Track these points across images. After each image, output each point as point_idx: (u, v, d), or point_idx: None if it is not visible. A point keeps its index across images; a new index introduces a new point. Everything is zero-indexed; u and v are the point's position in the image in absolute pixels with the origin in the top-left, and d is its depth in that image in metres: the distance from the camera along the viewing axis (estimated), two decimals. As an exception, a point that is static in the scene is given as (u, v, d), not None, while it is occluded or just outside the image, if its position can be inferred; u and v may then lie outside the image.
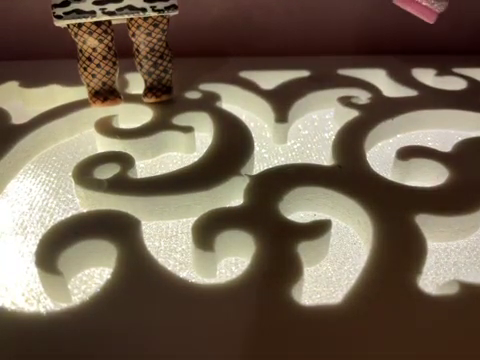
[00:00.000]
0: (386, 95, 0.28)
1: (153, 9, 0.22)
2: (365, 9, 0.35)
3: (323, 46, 0.28)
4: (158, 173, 0.21)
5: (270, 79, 0.30)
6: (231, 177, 0.19)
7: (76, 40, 0.23)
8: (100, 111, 0.24)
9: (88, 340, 0.13)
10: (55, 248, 0.15)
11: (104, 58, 0.23)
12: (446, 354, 0.13)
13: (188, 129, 0.23)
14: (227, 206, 0.19)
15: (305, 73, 0.31)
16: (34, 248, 0.15)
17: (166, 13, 0.23)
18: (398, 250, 0.16)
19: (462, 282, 0.14)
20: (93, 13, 0.22)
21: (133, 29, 0.23)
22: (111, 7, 0.22)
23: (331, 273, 0.17)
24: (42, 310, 0.15)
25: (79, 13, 0.21)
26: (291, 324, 0.13)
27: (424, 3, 0.25)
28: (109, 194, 0.18)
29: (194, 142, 0.23)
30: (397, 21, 0.35)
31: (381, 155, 0.24)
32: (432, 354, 0.13)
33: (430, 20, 0.26)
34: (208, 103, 0.26)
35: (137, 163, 0.21)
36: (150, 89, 0.25)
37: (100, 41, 0.23)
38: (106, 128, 0.23)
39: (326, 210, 0.19)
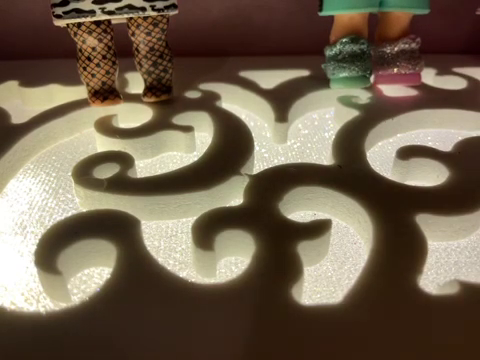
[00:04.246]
0: (386, 95, 0.27)
1: (153, 8, 0.22)
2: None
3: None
4: (158, 173, 0.21)
5: (270, 79, 0.30)
6: (231, 177, 0.19)
7: (75, 39, 0.23)
8: (100, 111, 0.24)
9: (87, 340, 0.13)
10: (54, 248, 0.15)
11: (104, 57, 0.23)
12: (446, 354, 0.13)
13: (188, 129, 0.23)
14: (227, 206, 0.19)
15: (305, 73, 0.31)
16: (33, 248, 0.15)
17: (166, 12, 0.23)
18: (398, 250, 0.16)
19: (463, 282, 0.14)
20: (92, 12, 0.22)
21: (133, 28, 0.23)
22: (111, 6, 0.22)
23: (331, 273, 0.17)
24: (41, 310, 0.15)
25: (78, 12, 0.21)
26: (291, 324, 0.13)
27: (407, 71, 0.26)
28: (109, 194, 0.18)
29: (194, 142, 0.23)
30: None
31: (381, 155, 0.24)
32: (432, 354, 0.13)
33: (417, 82, 0.27)
34: (208, 103, 0.26)
35: (137, 163, 0.21)
36: (150, 89, 0.25)
37: (99, 40, 0.23)
38: (106, 127, 0.23)
39: (326, 210, 0.19)
